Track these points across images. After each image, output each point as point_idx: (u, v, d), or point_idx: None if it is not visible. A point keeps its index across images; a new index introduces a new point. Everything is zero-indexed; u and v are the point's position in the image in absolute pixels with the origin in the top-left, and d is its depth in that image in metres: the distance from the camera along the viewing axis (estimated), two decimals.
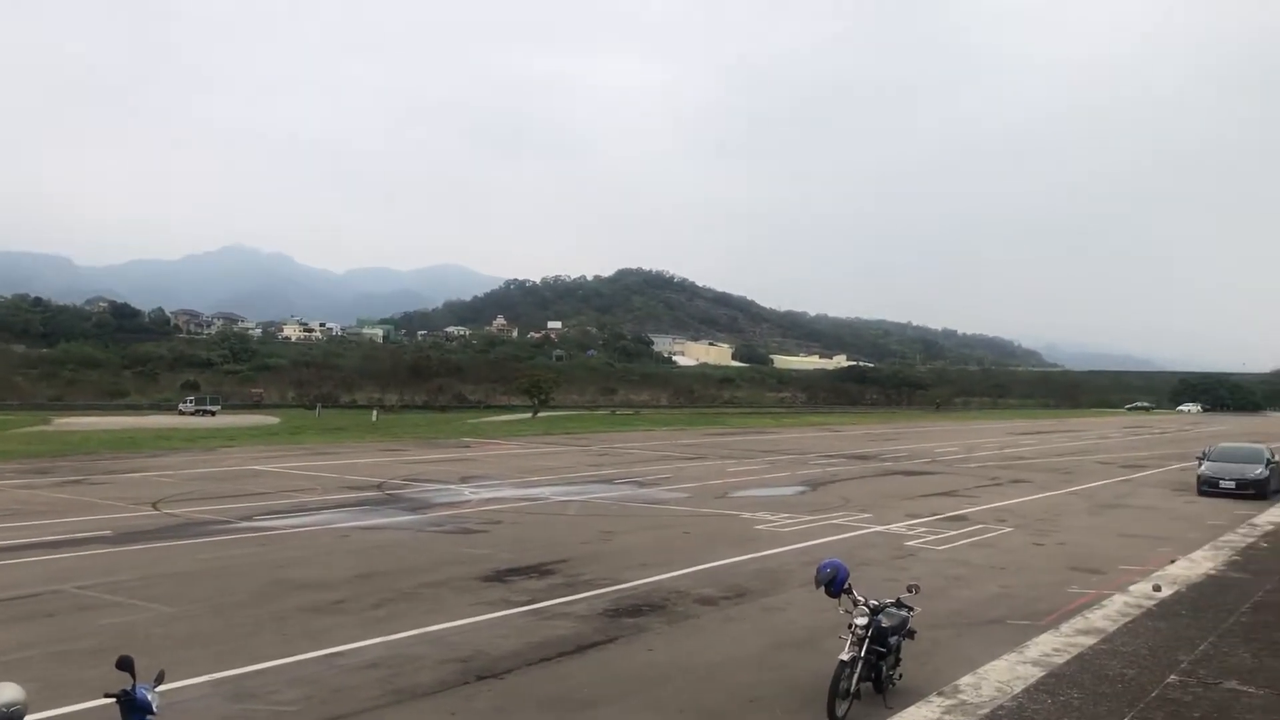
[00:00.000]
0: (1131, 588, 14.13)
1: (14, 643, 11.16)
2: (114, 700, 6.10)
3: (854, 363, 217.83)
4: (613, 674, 10.45)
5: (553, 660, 10.87)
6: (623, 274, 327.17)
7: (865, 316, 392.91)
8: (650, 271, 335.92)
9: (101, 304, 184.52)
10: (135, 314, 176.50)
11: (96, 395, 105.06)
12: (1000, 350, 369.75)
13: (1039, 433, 72.02)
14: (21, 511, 22.01)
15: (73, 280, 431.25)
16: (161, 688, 6.34)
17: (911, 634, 10.05)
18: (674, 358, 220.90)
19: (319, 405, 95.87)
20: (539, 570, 15.93)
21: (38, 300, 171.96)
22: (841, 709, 8.95)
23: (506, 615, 12.87)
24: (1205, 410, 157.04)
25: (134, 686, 6.08)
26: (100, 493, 25.82)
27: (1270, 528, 20.96)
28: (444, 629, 12.05)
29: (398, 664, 10.57)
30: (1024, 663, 9.83)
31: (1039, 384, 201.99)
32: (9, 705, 6.12)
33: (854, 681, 9.09)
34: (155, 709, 6.09)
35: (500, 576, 15.39)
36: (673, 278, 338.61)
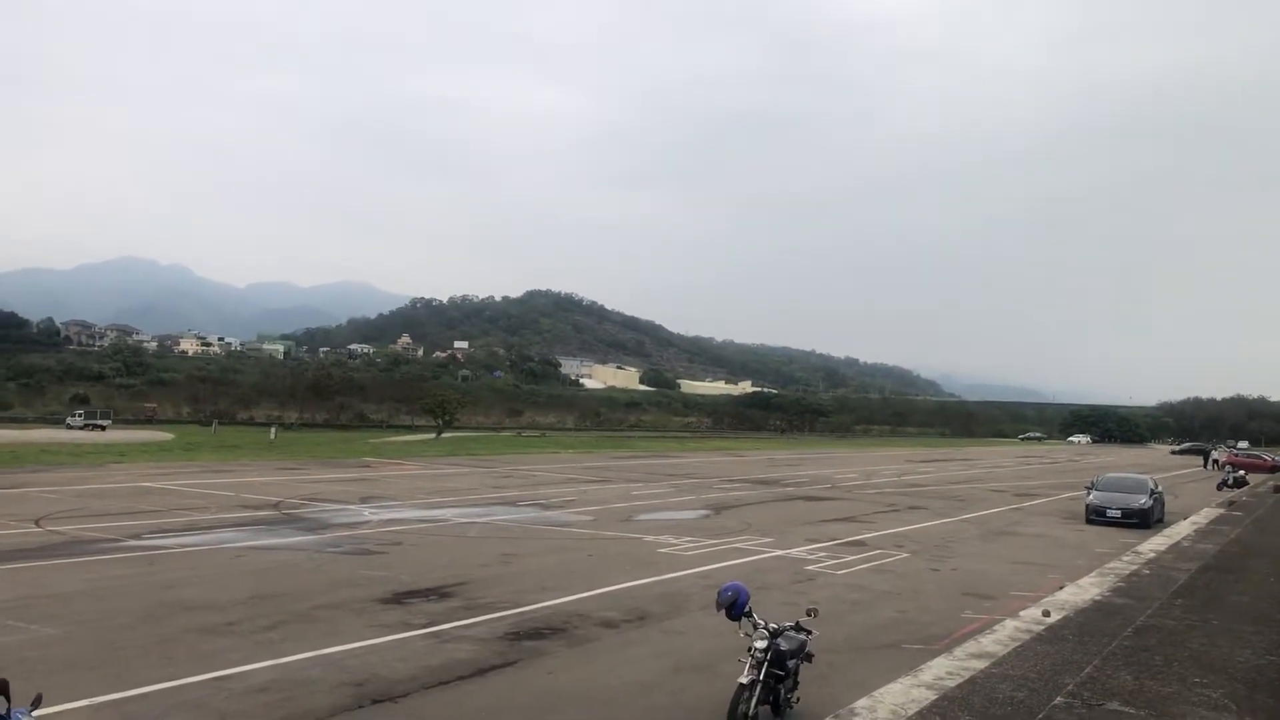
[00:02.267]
0: (1022, 613, 14.51)
1: None
2: None
3: (758, 389, 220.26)
4: (512, 698, 10.35)
5: (451, 684, 10.72)
6: (532, 295, 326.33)
7: (770, 343, 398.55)
8: (559, 294, 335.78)
9: None
10: (23, 324, 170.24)
11: None
12: (900, 380, 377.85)
13: (936, 461, 73.71)
14: None
15: None
16: (39, 712, 6.09)
17: (809, 657, 10.16)
18: (581, 380, 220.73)
19: (215, 422, 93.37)
20: (438, 592, 15.72)
21: None
22: None
23: (404, 638, 12.65)
24: (1094, 441, 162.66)
25: (9, 710, 5.82)
26: None
27: (1153, 555, 21.76)
28: (339, 652, 11.79)
29: (290, 688, 10.30)
30: (918, 686, 10.02)
31: (937, 413, 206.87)
32: None
33: (753, 704, 9.14)
34: None
35: (399, 599, 15.14)
36: (582, 300, 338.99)
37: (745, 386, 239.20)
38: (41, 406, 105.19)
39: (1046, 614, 14.10)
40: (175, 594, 14.92)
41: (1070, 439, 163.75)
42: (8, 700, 5.87)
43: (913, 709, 9.07)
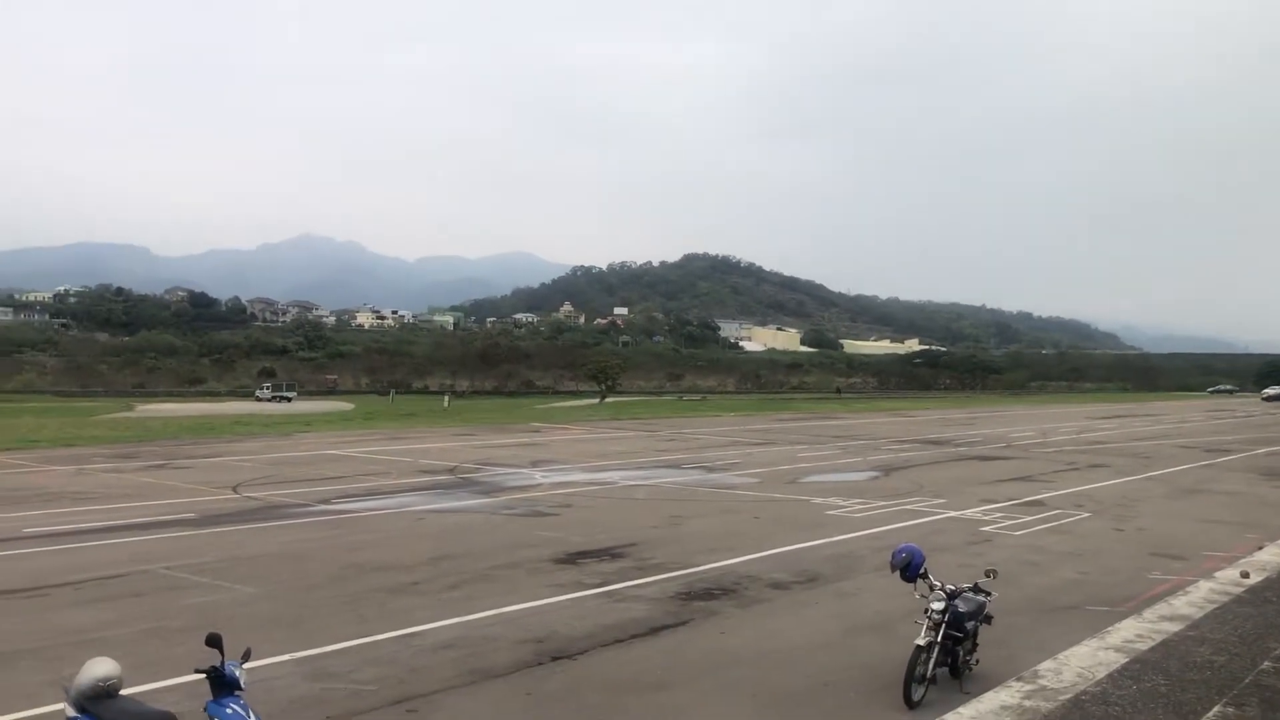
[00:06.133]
0: (1217, 574, 13.76)
1: (107, 620, 11.51)
2: (204, 676, 6.26)
3: (926, 347, 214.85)
4: (685, 657, 10.45)
5: (625, 642, 10.91)
6: (689, 259, 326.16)
7: (937, 299, 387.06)
8: (717, 256, 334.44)
9: (180, 293, 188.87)
10: (212, 303, 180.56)
11: (175, 382, 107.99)
12: (1077, 333, 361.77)
13: (1117, 417, 70.41)
14: (110, 495, 22.68)
15: (152, 270, 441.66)
16: (248, 665, 6.50)
17: (989, 619, 9.91)
18: (741, 343, 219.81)
19: (392, 391, 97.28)
20: (610, 553, 16.00)
21: (119, 290, 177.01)
22: (918, 693, 8.87)
23: (579, 597, 12.95)
24: None
25: (223, 663, 6.24)
26: (183, 477, 26.49)
27: None
28: (518, 610, 12.16)
29: (473, 644, 10.68)
30: (1106, 649, 9.63)
31: (1117, 367, 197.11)
32: (105, 679, 6.35)
33: (930, 666, 9.00)
34: (243, 685, 6.24)
35: (572, 559, 15.48)
36: (739, 262, 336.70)
37: (912, 345, 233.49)
38: (232, 380, 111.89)
39: (1245, 575, 13.33)
40: (362, 555, 15.66)
41: (1267, 391, 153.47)
42: (222, 654, 6.29)
43: (1101, 672, 8.73)
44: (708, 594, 13.26)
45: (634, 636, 11.14)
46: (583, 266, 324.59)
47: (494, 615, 11.90)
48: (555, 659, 10.23)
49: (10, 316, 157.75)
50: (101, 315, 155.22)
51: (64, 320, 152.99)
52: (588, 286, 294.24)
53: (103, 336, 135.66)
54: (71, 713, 6.41)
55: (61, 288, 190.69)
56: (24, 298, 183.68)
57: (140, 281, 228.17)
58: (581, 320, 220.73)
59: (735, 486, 25.68)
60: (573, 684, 9.47)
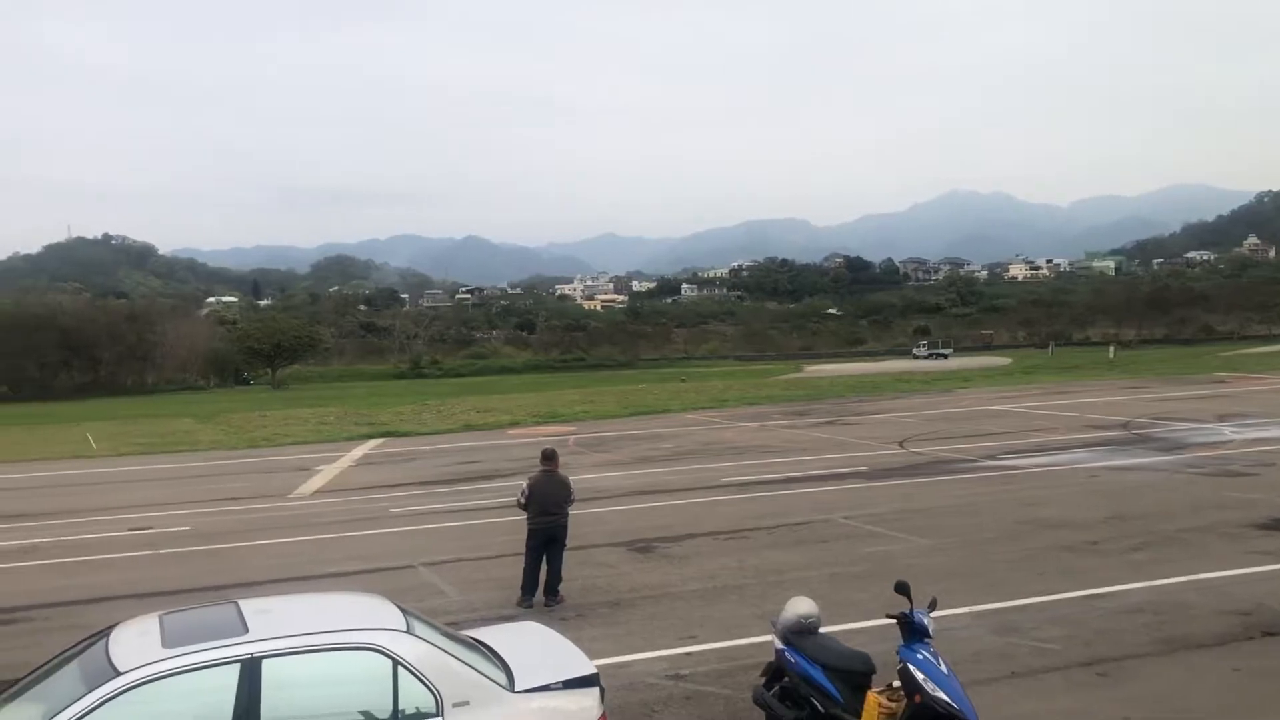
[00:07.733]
0: None
1: (797, 563, 12.57)
2: (894, 621, 6.54)
3: None
4: None
5: None
6: None
7: None
8: None
9: (837, 260, 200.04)
10: (866, 266, 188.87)
11: (837, 344, 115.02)
12: None
13: None
14: (789, 449, 24.77)
15: (811, 240, 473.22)
16: (935, 614, 6.65)
17: None
18: None
19: (1051, 344, 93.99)
20: None
21: (784, 261, 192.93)
22: None
23: None
24: None
25: (911, 610, 6.45)
26: (851, 432, 28.01)
27: None
28: (1217, 578, 10.99)
29: (1165, 611, 9.88)
30: None
31: None
32: (806, 616, 6.94)
33: None
34: (931, 633, 6.40)
35: (1278, 525, 13.63)
36: None
37: None
38: (889, 339, 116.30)
39: None
40: (1034, 512, 15.27)
41: None
42: (910, 601, 6.51)
43: None
44: None
45: None
46: (1269, 192, 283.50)
47: (1187, 581, 10.89)
48: (1267, 634, 9.08)
49: (695, 292, 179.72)
50: (770, 285, 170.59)
51: (739, 292, 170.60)
52: (1277, 215, 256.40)
53: (772, 305, 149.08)
54: (778, 644, 7.09)
55: (735, 263, 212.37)
56: (705, 274, 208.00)
57: (801, 251, 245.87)
58: (1271, 254, 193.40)
59: None
60: None
